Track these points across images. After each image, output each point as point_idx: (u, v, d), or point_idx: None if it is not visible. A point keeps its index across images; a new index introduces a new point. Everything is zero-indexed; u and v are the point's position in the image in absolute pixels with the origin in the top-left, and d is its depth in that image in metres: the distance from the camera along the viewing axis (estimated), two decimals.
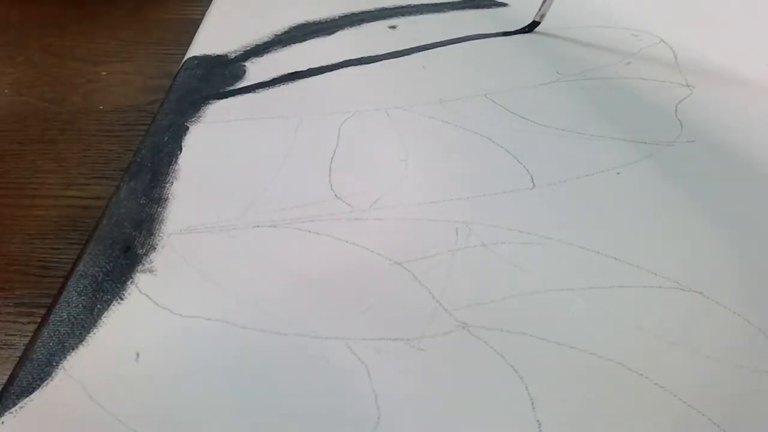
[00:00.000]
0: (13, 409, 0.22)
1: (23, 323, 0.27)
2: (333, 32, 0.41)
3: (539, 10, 0.40)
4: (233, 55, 0.39)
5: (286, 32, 0.41)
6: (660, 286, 0.26)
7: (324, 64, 0.38)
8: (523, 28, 0.41)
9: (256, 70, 0.38)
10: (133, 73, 0.41)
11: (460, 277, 0.26)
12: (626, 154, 0.32)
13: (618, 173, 0.31)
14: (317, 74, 0.38)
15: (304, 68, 0.38)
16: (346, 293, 0.26)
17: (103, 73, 0.41)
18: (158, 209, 0.29)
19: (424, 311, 0.25)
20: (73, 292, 0.26)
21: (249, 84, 0.37)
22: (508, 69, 0.38)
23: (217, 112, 0.35)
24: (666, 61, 0.39)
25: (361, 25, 0.42)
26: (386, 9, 0.44)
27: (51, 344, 0.24)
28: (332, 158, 0.32)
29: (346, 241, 0.28)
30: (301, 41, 0.41)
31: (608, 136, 0.33)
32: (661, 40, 0.40)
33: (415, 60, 0.39)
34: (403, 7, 0.44)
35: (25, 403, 0.22)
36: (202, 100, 0.36)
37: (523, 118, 0.34)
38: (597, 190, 0.30)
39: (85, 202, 0.32)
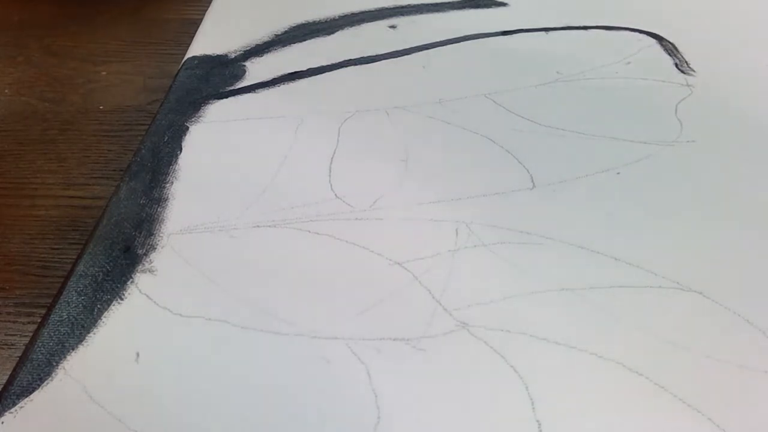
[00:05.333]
0: (13, 409, 0.22)
1: (23, 323, 0.27)
2: (333, 32, 0.41)
3: None
4: (233, 55, 0.39)
5: (286, 32, 0.41)
6: (660, 286, 0.26)
7: (324, 64, 0.38)
8: None
9: (256, 70, 0.38)
10: (133, 73, 0.41)
11: (460, 277, 0.26)
12: (626, 154, 0.32)
13: (618, 173, 0.31)
14: (317, 74, 0.38)
15: (304, 68, 0.38)
16: (346, 293, 0.26)
17: (103, 73, 0.41)
18: (158, 209, 0.29)
19: (424, 311, 0.25)
20: (73, 292, 0.26)
21: (249, 84, 0.37)
22: (508, 69, 0.38)
23: (217, 112, 0.35)
24: (666, 61, 0.39)
25: (361, 25, 0.42)
26: (386, 9, 0.44)
27: (51, 344, 0.24)
28: (332, 158, 0.32)
29: (346, 241, 0.28)
30: (301, 41, 0.41)
31: (608, 136, 0.33)
32: (662, 39, 0.40)
33: (415, 60, 0.39)
34: (403, 7, 0.44)
35: (25, 403, 0.22)
36: (202, 100, 0.36)
37: (523, 118, 0.34)
38: (597, 190, 0.30)
39: (85, 202, 0.32)
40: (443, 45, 0.40)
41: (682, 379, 0.23)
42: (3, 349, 0.26)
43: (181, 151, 0.32)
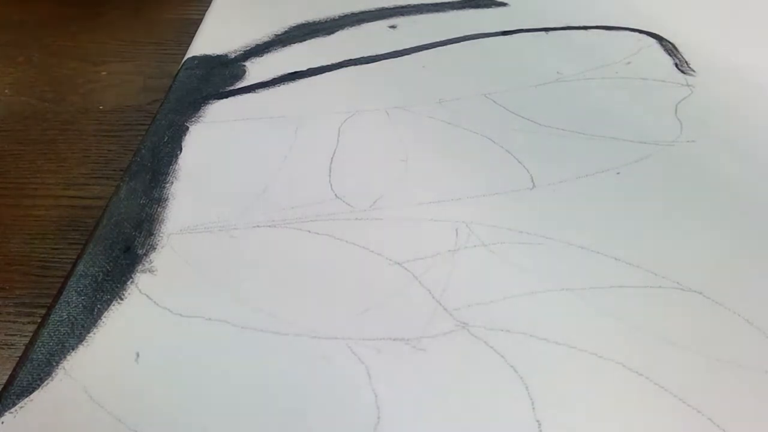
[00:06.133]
0: (13, 409, 0.22)
1: (23, 323, 0.27)
2: (333, 32, 0.41)
3: None
4: (233, 55, 0.39)
5: (286, 32, 0.41)
6: (660, 286, 0.26)
7: (324, 64, 0.38)
8: None
9: (256, 70, 0.38)
10: (133, 73, 0.41)
11: (460, 277, 0.26)
12: (626, 154, 0.32)
13: (618, 173, 0.31)
14: (317, 74, 0.38)
15: (304, 68, 0.38)
16: (346, 293, 0.26)
17: (103, 73, 0.41)
18: (158, 209, 0.29)
19: (424, 311, 0.25)
20: (73, 292, 0.26)
21: (249, 84, 0.37)
22: (508, 69, 0.38)
23: (217, 112, 0.35)
24: (666, 61, 0.39)
25: (361, 25, 0.42)
26: (386, 9, 0.44)
27: (51, 344, 0.24)
28: (332, 158, 0.32)
29: (346, 241, 0.28)
30: (301, 41, 0.41)
31: (608, 136, 0.33)
32: (662, 39, 0.40)
33: (415, 60, 0.39)
34: (403, 7, 0.44)
35: (25, 403, 0.22)
36: (202, 100, 0.36)
37: (523, 118, 0.34)
38: (597, 190, 0.30)
39: (85, 202, 0.32)
40: (443, 45, 0.40)
41: (682, 379, 0.23)
42: (3, 349, 0.26)
43: (181, 151, 0.32)
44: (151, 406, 0.22)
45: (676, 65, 0.38)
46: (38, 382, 0.23)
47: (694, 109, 0.35)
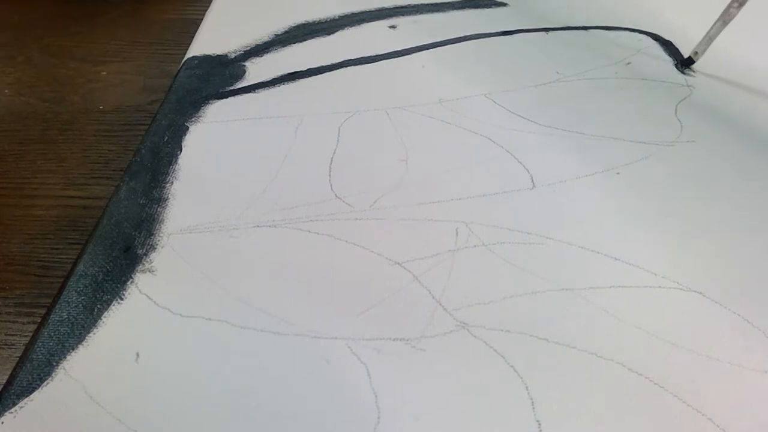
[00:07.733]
0: (13, 409, 0.22)
1: (23, 323, 0.27)
2: (333, 32, 0.41)
3: (696, 47, 0.37)
4: (233, 55, 0.39)
5: (286, 32, 0.41)
6: (660, 286, 0.26)
7: (324, 64, 0.38)
8: (681, 61, 0.38)
9: (256, 70, 0.38)
10: (133, 73, 0.41)
11: (460, 277, 0.26)
12: (626, 154, 0.32)
13: (618, 173, 0.31)
14: (317, 74, 0.38)
15: (304, 68, 0.38)
16: (346, 293, 0.26)
17: (103, 73, 0.41)
18: (158, 209, 0.29)
19: (424, 311, 0.25)
20: (73, 292, 0.26)
21: (249, 84, 0.37)
22: (508, 69, 0.38)
23: (217, 112, 0.35)
24: (666, 61, 0.39)
25: (361, 25, 0.42)
26: (386, 9, 0.44)
27: (51, 344, 0.24)
28: (332, 158, 0.32)
29: (346, 241, 0.28)
30: (301, 41, 0.41)
31: (608, 136, 0.33)
32: (662, 39, 0.40)
33: (415, 60, 0.39)
34: (403, 7, 0.44)
35: (25, 403, 0.22)
36: (202, 100, 0.36)
37: (523, 118, 0.34)
38: (597, 190, 0.30)
39: (85, 202, 0.32)
40: (443, 45, 0.40)
41: (682, 379, 0.23)
42: (3, 349, 0.26)
43: (181, 151, 0.32)
44: (151, 406, 0.22)
45: (676, 65, 0.38)
46: (38, 382, 0.23)
47: (694, 109, 0.35)
